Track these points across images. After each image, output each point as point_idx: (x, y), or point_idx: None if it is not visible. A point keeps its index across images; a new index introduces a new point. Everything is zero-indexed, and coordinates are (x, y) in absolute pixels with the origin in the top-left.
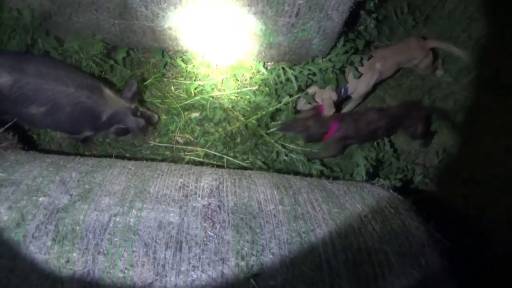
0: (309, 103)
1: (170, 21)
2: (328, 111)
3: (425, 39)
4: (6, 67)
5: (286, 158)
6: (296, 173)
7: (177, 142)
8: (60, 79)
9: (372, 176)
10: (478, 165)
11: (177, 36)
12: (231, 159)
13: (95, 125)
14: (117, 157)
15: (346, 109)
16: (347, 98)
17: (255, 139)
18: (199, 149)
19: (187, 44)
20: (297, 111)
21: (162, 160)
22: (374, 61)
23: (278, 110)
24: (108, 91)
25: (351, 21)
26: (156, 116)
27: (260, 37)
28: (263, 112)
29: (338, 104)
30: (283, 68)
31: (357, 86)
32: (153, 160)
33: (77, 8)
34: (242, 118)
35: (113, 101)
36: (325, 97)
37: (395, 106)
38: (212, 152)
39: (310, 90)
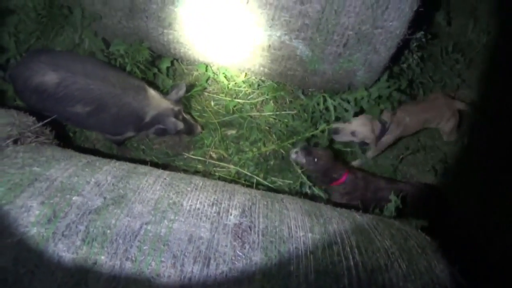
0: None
1: (219, 37)
2: (373, 146)
3: (452, 98)
4: (52, 66)
5: (308, 191)
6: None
7: (211, 157)
8: (107, 80)
9: (401, 213)
10: (506, 211)
11: (224, 52)
12: (261, 180)
13: (138, 126)
14: (150, 164)
15: (367, 155)
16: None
17: (288, 164)
18: (231, 166)
19: (231, 61)
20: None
21: (194, 173)
22: (403, 115)
23: (313, 136)
24: (152, 92)
25: (396, 57)
26: (199, 128)
27: (306, 63)
28: (299, 137)
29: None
30: (323, 96)
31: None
32: (185, 171)
33: (128, 13)
34: (277, 141)
35: (157, 102)
36: (369, 130)
37: (407, 183)
38: (243, 171)
39: (356, 122)
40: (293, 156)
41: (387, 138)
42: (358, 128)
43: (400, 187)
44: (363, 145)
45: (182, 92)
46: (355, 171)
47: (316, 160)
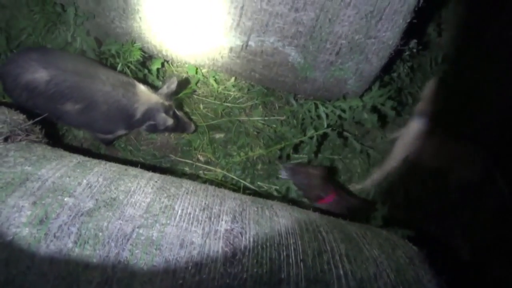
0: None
1: (210, 42)
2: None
3: None
4: (43, 63)
5: (294, 195)
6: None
7: (198, 160)
8: (97, 78)
9: (388, 222)
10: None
11: (215, 56)
12: (248, 184)
13: (129, 124)
14: (138, 165)
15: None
16: None
17: (274, 169)
18: (218, 170)
19: (222, 65)
20: None
21: (181, 176)
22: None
23: (302, 142)
24: (142, 87)
25: (386, 66)
26: (193, 126)
27: (297, 70)
28: (287, 143)
29: None
30: (315, 104)
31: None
32: (172, 173)
33: (122, 14)
34: (265, 147)
35: (146, 97)
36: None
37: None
38: (230, 175)
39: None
40: (282, 174)
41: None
42: None
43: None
44: None
45: (173, 86)
46: (342, 193)
47: (303, 179)
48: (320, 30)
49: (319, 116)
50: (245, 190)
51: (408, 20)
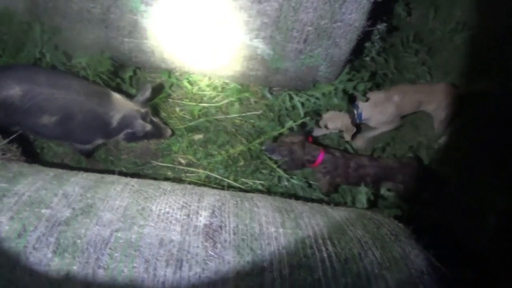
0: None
1: (178, 43)
2: (346, 135)
3: (456, 87)
4: (15, 79)
5: (287, 183)
6: (297, 198)
7: (179, 163)
8: (71, 88)
9: (373, 203)
10: (480, 197)
11: (185, 57)
12: (232, 182)
13: (106, 132)
14: (119, 174)
15: (369, 134)
16: (361, 123)
17: (257, 164)
18: (201, 171)
19: (194, 66)
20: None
21: (164, 180)
22: (392, 93)
23: (281, 135)
24: (117, 96)
25: (357, 50)
26: (169, 131)
27: (268, 62)
28: (266, 136)
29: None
30: (289, 95)
31: (372, 114)
32: (155, 179)
33: (87, 25)
34: (245, 142)
35: (121, 105)
36: (339, 121)
37: (390, 159)
38: (213, 175)
39: (326, 116)
40: (269, 154)
41: (377, 118)
42: (328, 122)
43: (384, 163)
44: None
45: (148, 93)
46: (333, 150)
47: (285, 153)
48: (285, 19)
49: (293, 107)
50: (230, 189)
51: (373, 0)
